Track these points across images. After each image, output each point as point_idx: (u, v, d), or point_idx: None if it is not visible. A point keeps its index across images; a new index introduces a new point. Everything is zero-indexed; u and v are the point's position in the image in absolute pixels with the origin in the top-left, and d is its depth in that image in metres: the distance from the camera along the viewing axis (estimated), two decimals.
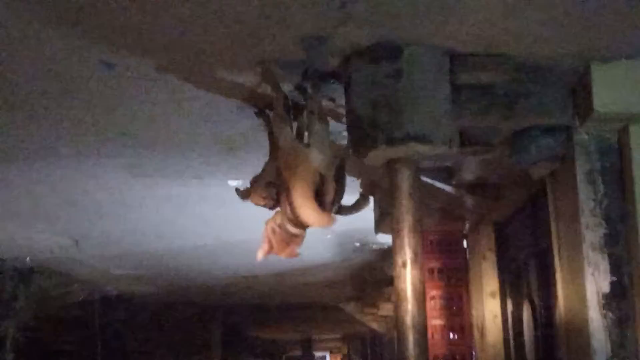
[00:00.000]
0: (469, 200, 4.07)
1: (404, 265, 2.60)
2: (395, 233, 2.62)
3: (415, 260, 2.61)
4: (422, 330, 2.62)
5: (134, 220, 5.61)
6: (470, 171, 3.68)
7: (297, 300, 11.60)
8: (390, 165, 2.65)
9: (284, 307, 12.40)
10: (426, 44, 2.54)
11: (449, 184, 3.96)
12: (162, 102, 3.18)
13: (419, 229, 2.64)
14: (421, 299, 2.63)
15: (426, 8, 2.33)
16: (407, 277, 2.61)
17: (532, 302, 3.91)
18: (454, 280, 4.78)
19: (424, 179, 3.83)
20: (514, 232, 4.25)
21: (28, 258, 6.91)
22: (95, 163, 4.04)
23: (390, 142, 2.53)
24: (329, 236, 6.34)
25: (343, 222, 5.78)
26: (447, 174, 3.91)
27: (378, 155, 2.62)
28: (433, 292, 4.73)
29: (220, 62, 2.75)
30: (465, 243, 4.89)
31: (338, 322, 14.63)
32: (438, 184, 3.97)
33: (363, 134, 2.59)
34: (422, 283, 2.65)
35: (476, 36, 2.50)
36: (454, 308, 4.77)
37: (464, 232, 4.83)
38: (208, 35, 2.52)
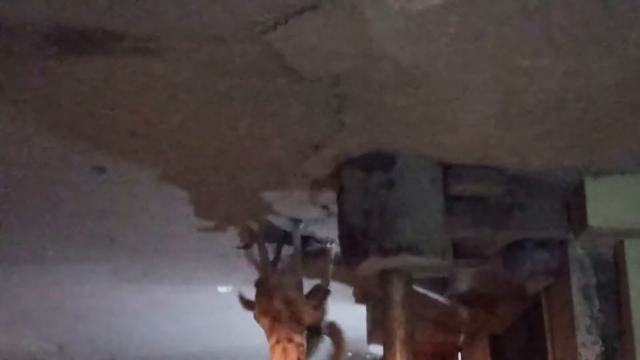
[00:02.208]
0: (463, 312, 3.99)
1: None
2: (387, 345, 2.55)
3: None
4: None
5: (119, 326, 5.51)
6: (464, 283, 3.62)
7: None
8: (383, 276, 2.59)
9: None
10: (419, 155, 2.53)
11: (444, 295, 3.90)
12: (152, 209, 3.15)
13: (412, 341, 2.56)
14: None
15: (420, 119, 2.33)
16: None
17: None
18: None
19: (418, 289, 3.77)
20: (510, 346, 4.14)
21: None
22: (82, 268, 3.99)
23: (382, 252, 2.48)
24: (321, 344, 6.20)
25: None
26: (441, 285, 3.85)
27: (370, 266, 2.57)
28: None
29: (212, 171, 2.74)
30: (460, 356, 4.78)
31: None
32: (432, 295, 3.90)
33: (355, 244, 2.55)
34: None
35: (470, 148, 2.50)
36: None
37: (460, 344, 4.72)
38: (199, 144, 2.52)
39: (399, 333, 2.53)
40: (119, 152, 2.62)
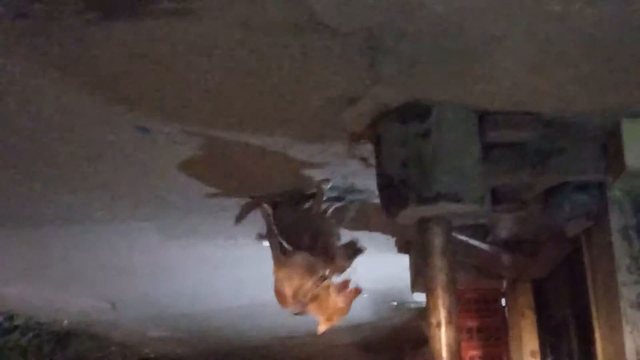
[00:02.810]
0: (505, 258, 4.02)
1: (439, 325, 2.57)
2: (429, 292, 2.60)
3: (449, 320, 2.58)
4: None
5: (169, 282, 5.62)
6: (505, 229, 3.65)
7: None
8: (422, 224, 2.64)
9: None
10: (455, 104, 2.55)
11: (485, 241, 3.93)
12: (194, 165, 3.22)
13: (454, 288, 2.61)
14: (457, 359, 2.59)
15: (454, 69, 2.35)
16: (442, 338, 2.58)
17: None
18: (493, 340, 4.70)
19: (460, 236, 3.81)
20: (552, 290, 4.18)
21: (65, 321, 6.92)
22: (130, 226, 4.08)
23: (421, 201, 2.52)
24: (365, 295, 6.28)
25: (379, 281, 5.75)
26: (483, 231, 3.88)
27: (409, 215, 2.61)
28: (472, 352, 4.66)
29: (250, 128, 2.79)
30: (503, 301, 4.82)
31: None
32: (474, 242, 3.93)
33: (394, 194, 2.59)
34: (458, 343, 2.61)
35: (504, 95, 2.51)
36: None
37: (502, 290, 4.76)
38: (237, 101, 2.57)
39: (440, 279, 2.58)
40: (161, 112, 2.68)
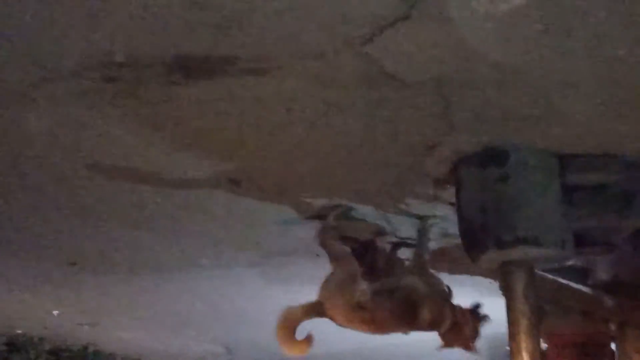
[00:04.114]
0: (608, 302, 3.92)
1: None
2: (511, 337, 2.59)
3: None
4: None
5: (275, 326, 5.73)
6: (604, 271, 3.58)
7: None
8: (504, 268, 2.65)
9: None
10: (532, 147, 2.56)
11: (587, 284, 3.85)
12: (289, 214, 3.33)
13: (536, 333, 2.60)
14: None
15: (526, 113, 2.37)
16: None
17: None
18: None
19: (561, 280, 3.75)
20: None
21: None
22: (235, 272, 4.23)
23: (501, 245, 2.54)
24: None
25: (492, 325, 5.69)
26: (584, 274, 3.81)
27: (490, 259, 2.63)
28: None
29: (335, 177, 2.89)
30: (614, 346, 4.66)
31: None
32: (575, 285, 3.86)
33: (474, 238, 2.62)
34: None
35: (582, 138, 2.51)
36: None
37: (612, 334, 4.62)
38: (320, 152, 2.68)
39: (523, 324, 2.57)
40: (249, 166, 2.82)
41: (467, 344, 3.21)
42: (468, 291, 3.96)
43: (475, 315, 3.23)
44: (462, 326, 3.14)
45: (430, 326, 3.13)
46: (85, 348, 5.81)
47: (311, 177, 2.91)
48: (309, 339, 3.20)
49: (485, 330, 5.29)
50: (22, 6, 1.91)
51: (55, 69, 2.18)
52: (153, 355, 6.50)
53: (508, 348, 6.18)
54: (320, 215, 3.24)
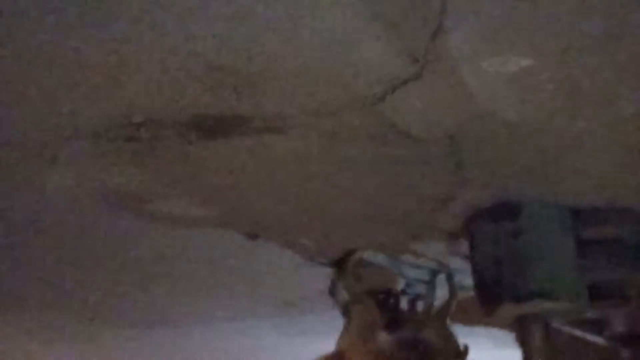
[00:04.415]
0: (624, 354, 3.90)
1: None
2: None
3: None
4: None
5: None
6: (620, 323, 3.57)
7: None
8: (519, 322, 2.65)
9: None
10: (545, 201, 2.59)
11: (602, 336, 3.83)
12: (306, 266, 3.36)
13: None
14: None
15: (539, 169, 2.41)
16: None
17: None
18: None
19: (576, 332, 3.74)
20: None
21: None
22: (250, 325, 4.25)
23: (515, 299, 2.55)
24: None
25: None
26: (599, 326, 3.80)
27: (505, 313, 2.63)
28: None
29: (349, 232, 2.92)
30: None
31: None
32: (591, 337, 3.85)
33: (489, 292, 2.63)
34: None
35: (595, 191, 2.53)
36: None
37: None
38: (334, 208, 2.71)
39: None
40: (267, 219, 2.86)
41: None
42: (482, 342, 3.96)
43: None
44: None
45: None
46: None
47: (326, 230, 2.94)
48: None
49: None
50: (44, 68, 1.97)
51: (75, 130, 2.23)
52: None
53: None
54: (337, 263, 3.25)
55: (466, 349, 3.19)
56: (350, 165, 2.44)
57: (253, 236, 3.03)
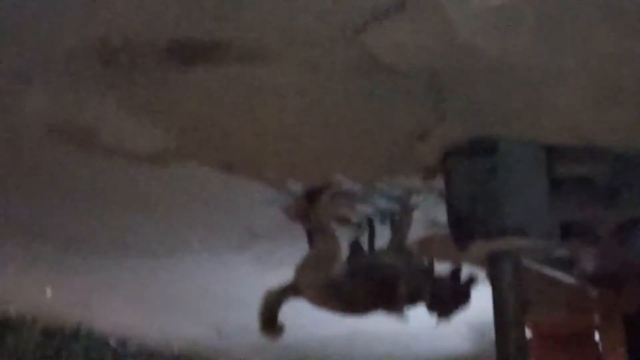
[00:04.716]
0: (592, 293, 3.98)
1: (506, 358, 2.60)
2: (497, 327, 2.63)
3: (518, 356, 2.60)
4: None
5: None
6: (589, 262, 3.63)
7: None
8: (491, 259, 2.69)
9: None
10: (521, 139, 2.60)
11: (572, 275, 3.90)
12: (278, 197, 3.36)
13: (522, 324, 2.64)
14: None
15: (516, 106, 2.42)
16: None
17: None
18: None
19: (546, 270, 3.80)
20: None
21: (175, 348, 7.17)
22: (225, 257, 4.26)
23: (487, 236, 2.58)
24: (463, 327, 6.27)
25: (478, 314, 5.73)
26: (569, 265, 3.86)
27: (477, 249, 2.67)
28: None
29: (327, 165, 2.93)
30: (598, 337, 4.73)
31: None
32: (560, 276, 3.91)
33: (462, 228, 2.66)
34: None
35: (570, 130, 2.55)
36: None
37: (596, 325, 4.68)
38: (312, 140, 2.71)
39: (509, 314, 2.61)
40: (243, 150, 2.85)
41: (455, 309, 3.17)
42: None
43: (457, 280, 3.17)
44: (446, 294, 3.11)
45: (411, 301, 3.10)
46: (78, 329, 5.84)
47: (302, 163, 2.94)
48: (281, 326, 3.25)
49: (470, 319, 5.33)
50: None
51: (52, 53, 2.20)
52: (146, 336, 6.53)
53: (494, 337, 6.24)
54: (311, 195, 3.20)
55: (431, 264, 3.17)
56: (329, 97, 2.44)
57: (228, 167, 3.02)
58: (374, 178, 2.98)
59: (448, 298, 3.11)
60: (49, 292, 4.84)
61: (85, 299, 5.08)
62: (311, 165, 2.93)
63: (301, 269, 3.20)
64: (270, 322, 3.27)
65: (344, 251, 3.24)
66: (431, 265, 3.16)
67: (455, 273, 3.16)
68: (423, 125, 2.57)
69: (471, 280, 3.17)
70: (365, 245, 3.31)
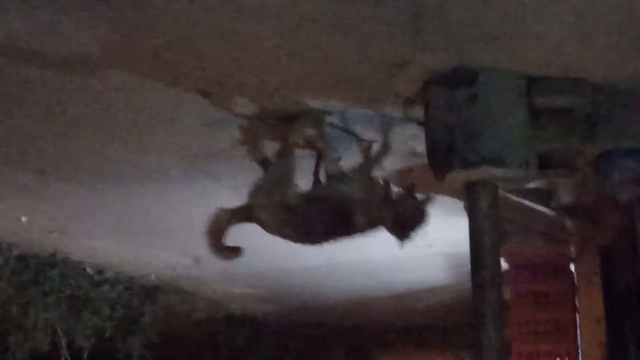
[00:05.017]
0: (569, 224, 4.02)
1: (482, 286, 2.63)
2: (473, 254, 2.65)
3: (493, 281, 2.63)
4: (501, 354, 2.62)
5: (247, 240, 5.78)
6: (567, 194, 3.65)
7: (419, 324, 11.54)
8: (469, 188, 2.69)
9: (406, 331, 12.36)
10: (501, 68, 2.58)
11: (550, 207, 3.93)
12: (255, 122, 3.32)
13: (498, 251, 2.66)
14: (500, 321, 2.64)
15: (497, 34, 2.39)
16: (486, 299, 2.63)
17: (637, 329, 3.82)
18: (561, 305, 4.71)
19: (524, 201, 3.82)
20: (617, 257, 4.16)
21: (153, 275, 7.21)
22: (205, 185, 4.25)
23: (465, 165, 2.58)
24: (439, 258, 6.34)
25: (453, 244, 5.78)
26: (547, 196, 3.88)
27: (455, 179, 2.67)
28: (538, 316, 4.69)
29: (306, 92, 2.89)
30: (573, 267, 4.81)
31: (461, 345, 14.40)
32: (538, 207, 3.94)
33: (440, 157, 2.65)
34: (502, 305, 2.66)
35: (551, 60, 2.53)
36: (561, 333, 4.70)
37: (571, 255, 4.75)
38: (291, 67, 2.67)
39: (485, 243, 2.63)
40: (219, 74, 2.81)
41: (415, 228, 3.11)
42: (433, 210, 4.02)
43: (412, 197, 3.12)
44: (406, 215, 3.07)
45: (371, 228, 3.08)
46: (54, 255, 5.84)
47: (281, 89, 2.90)
48: (237, 249, 3.21)
49: (445, 249, 5.36)
50: None
51: None
52: (122, 264, 6.56)
53: (469, 267, 6.32)
54: (285, 120, 3.13)
55: (387, 185, 3.09)
56: (309, 24, 2.39)
57: (205, 93, 2.98)
58: (352, 106, 2.96)
59: (407, 219, 3.08)
60: (24, 219, 4.82)
61: (62, 226, 5.07)
62: (290, 92, 2.89)
63: (255, 191, 3.13)
64: (217, 241, 3.22)
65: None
66: (389, 188, 3.10)
67: (410, 189, 3.12)
68: (403, 55, 2.54)
69: (427, 199, 3.13)
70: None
